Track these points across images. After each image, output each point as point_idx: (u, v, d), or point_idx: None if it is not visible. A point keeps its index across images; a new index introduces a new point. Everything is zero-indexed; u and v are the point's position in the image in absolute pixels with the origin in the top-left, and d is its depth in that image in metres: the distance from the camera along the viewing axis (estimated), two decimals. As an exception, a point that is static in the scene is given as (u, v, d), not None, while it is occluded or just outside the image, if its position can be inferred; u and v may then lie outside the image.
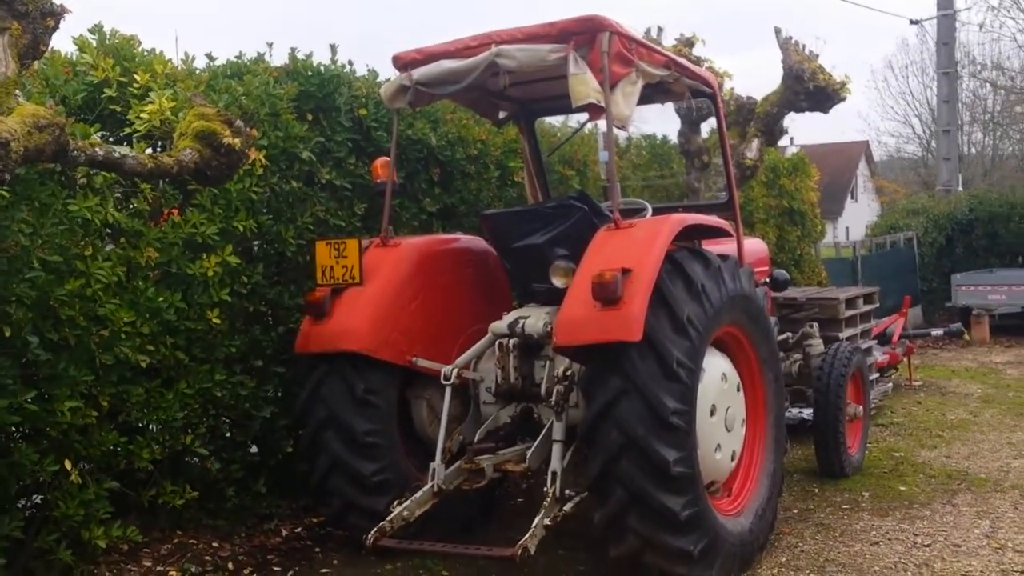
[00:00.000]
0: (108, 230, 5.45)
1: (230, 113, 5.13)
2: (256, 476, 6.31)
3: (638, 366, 4.87)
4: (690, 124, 10.13)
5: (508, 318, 5.86)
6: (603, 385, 4.95)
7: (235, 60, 6.76)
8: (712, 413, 5.34)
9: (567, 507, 5.16)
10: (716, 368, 5.45)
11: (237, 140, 4.92)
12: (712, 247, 6.57)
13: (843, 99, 10.33)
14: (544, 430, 5.48)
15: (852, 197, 52.96)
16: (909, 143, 44.17)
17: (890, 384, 10.91)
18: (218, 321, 5.83)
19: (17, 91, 4.28)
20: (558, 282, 5.64)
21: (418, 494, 5.47)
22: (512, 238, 5.99)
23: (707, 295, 5.17)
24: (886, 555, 5.73)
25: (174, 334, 5.65)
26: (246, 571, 5.80)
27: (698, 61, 9.70)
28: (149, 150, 5.26)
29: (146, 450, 5.53)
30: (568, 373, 5.37)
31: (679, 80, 6.11)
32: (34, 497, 5.28)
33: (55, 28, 4.43)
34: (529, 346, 5.78)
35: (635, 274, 4.93)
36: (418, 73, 5.83)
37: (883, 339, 11.65)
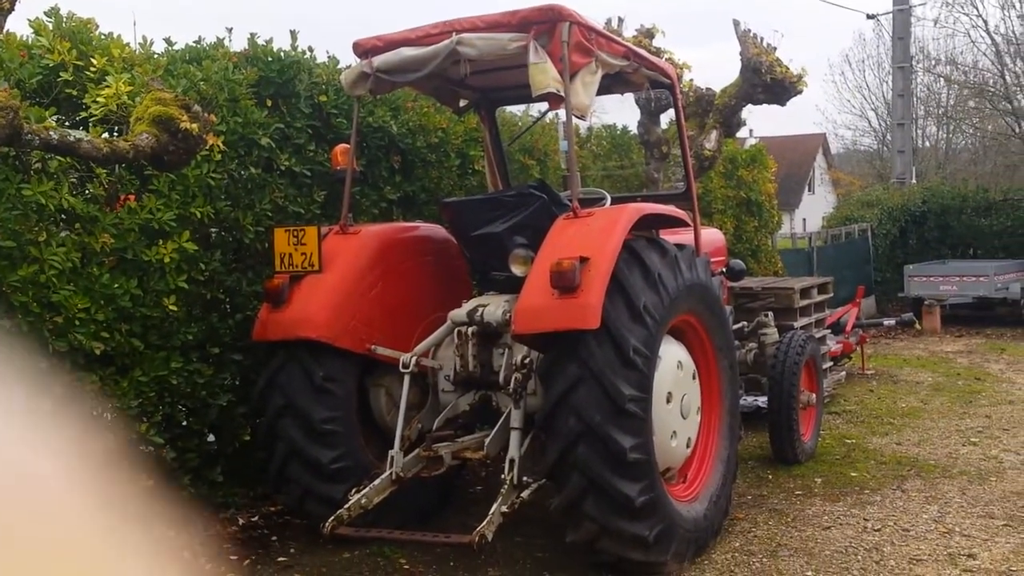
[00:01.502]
0: (63, 215, 5.38)
1: (188, 98, 5.09)
2: (212, 465, 6.28)
3: (595, 354, 4.91)
4: (649, 115, 10.20)
5: (467, 306, 5.88)
6: (561, 373, 4.99)
7: (194, 45, 6.70)
8: (668, 400, 5.40)
9: (524, 494, 5.19)
10: (672, 356, 5.51)
11: (195, 125, 4.88)
12: (670, 237, 6.64)
13: (799, 92, 10.45)
14: (502, 418, 5.51)
15: (809, 189, 53.61)
16: (865, 136, 44.73)
17: (843, 373, 11.08)
18: (175, 308, 5.79)
19: (-30, 74, 4.22)
20: (517, 270, 5.67)
21: (376, 482, 5.48)
22: (472, 226, 6.01)
23: (664, 284, 5.22)
24: (837, 539, 5.84)
25: (129, 321, 5.59)
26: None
27: (658, 52, 9.75)
28: (106, 135, 5.20)
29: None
30: (526, 361, 5.39)
31: (638, 70, 6.15)
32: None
33: (10, 10, 4.38)
34: (488, 334, 5.80)
35: (593, 263, 4.97)
36: (379, 60, 5.82)
37: (837, 328, 11.82)
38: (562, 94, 5.34)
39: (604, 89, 6.64)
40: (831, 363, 10.41)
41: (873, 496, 6.73)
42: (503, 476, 5.23)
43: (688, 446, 5.67)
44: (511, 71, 6.11)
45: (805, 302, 9.36)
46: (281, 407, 5.71)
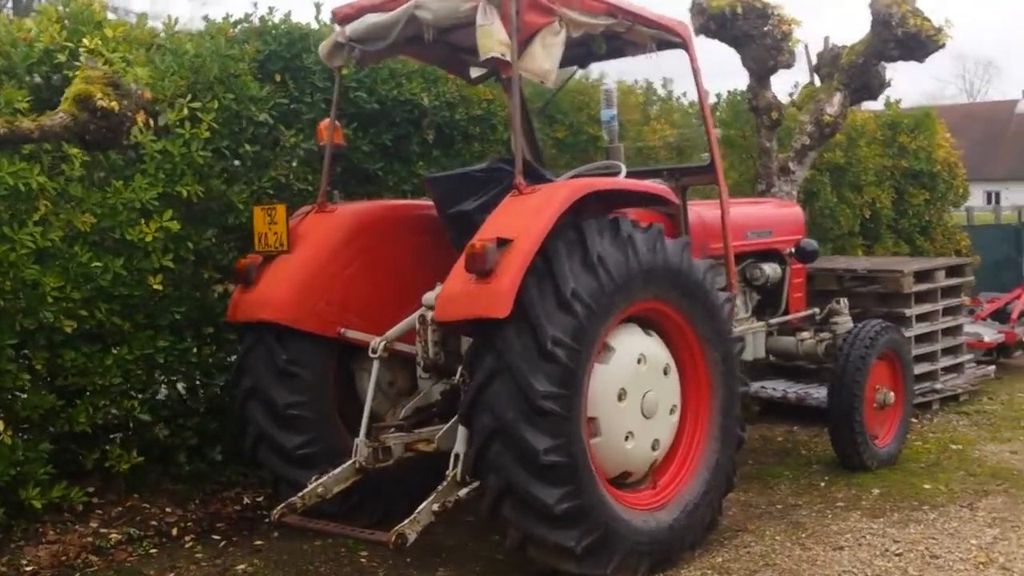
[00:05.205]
0: (43, 195, 5.48)
1: (116, 75, 5.02)
2: (213, 444, 6.28)
3: (512, 345, 4.45)
4: (759, 78, 9.25)
5: (439, 288, 5.51)
6: (478, 364, 4.57)
7: (222, 21, 6.69)
8: (620, 398, 4.83)
9: (461, 493, 4.80)
10: (631, 348, 4.91)
11: (114, 103, 4.81)
12: (708, 211, 6.09)
13: (941, 46, 9.16)
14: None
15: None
16: None
17: (992, 367, 9.67)
18: (160, 287, 5.81)
19: None
20: (486, 250, 5.24)
21: (337, 471, 5.24)
22: (449, 204, 5.63)
23: (606, 267, 4.64)
24: (840, 563, 5.01)
25: (109, 300, 5.66)
26: (187, 538, 5.78)
27: (765, 9, 8.85)
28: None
29: (83, 414, 5.61)
30: None
31: (632, 28, 5.53)
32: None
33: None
34: None
35: (515, 244, 4.51)
36: (350, 29, 5.55)
37: (1001, 316, 10.47)
38: (507, 59, 4.87)
39: (613, 52, 6.09)
40: (970, 355, 9.12)
41: (929, 514, 5.76)
42: (447, 472, 4.87)
43: (655, 449, 5.04)
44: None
45: (923, 287, 8.20)
46: (248, 390, 5.58)
